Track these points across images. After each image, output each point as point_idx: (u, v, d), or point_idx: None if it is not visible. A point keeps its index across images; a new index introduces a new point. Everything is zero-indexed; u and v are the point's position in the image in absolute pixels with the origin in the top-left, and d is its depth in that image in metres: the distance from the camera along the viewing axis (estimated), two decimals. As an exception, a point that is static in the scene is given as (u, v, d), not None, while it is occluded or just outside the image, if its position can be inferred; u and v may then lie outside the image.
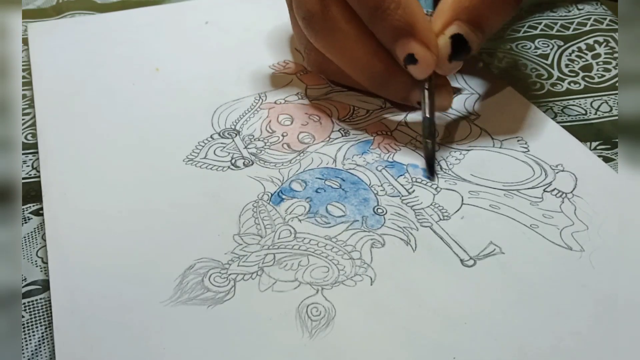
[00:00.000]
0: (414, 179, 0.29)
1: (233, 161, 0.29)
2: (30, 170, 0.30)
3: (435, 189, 0.28)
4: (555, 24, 0.41)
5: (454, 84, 0.35)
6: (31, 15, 0.42)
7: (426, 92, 0.30)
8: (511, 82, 0.35)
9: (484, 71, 0.36)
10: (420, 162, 0.30)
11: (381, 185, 0.28)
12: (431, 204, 0.27)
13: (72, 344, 0.21)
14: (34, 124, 0.32)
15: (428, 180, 0.28)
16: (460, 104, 0.33)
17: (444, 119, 0.32)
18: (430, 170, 0.29)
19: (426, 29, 0.28)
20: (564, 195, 0.28)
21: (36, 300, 0.24)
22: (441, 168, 0.29)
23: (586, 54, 0.39)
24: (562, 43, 0.40)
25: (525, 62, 0.38)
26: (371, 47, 0.30)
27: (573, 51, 0.39)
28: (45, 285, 0.24)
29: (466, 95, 0.34)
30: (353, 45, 0.30)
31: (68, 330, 0.22)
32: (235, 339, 0.22)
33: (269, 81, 0.35)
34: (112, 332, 0.22)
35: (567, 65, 0.38)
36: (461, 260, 0.25)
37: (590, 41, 0.40)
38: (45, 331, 0.23)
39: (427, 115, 0.29)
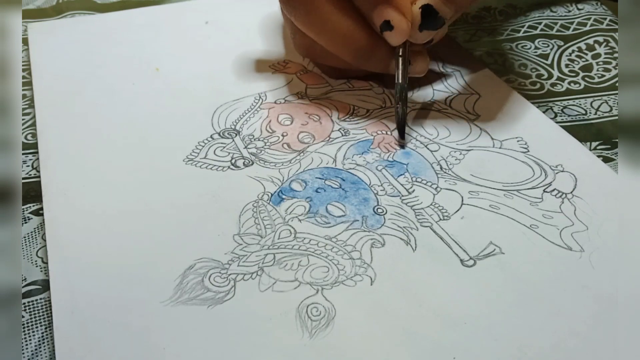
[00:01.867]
0: (413, 179, 0.29)
1: (233, 161, 0.29)
2: (30, 170, 0.30)
3: (435, 189, 0.28)
4: (555, 24, 0.41)
5: (454, 83, 0.35)
6: (31, 15, 0.42)
7: (399, 59, 0.31)
8: (511, 82, 0.35)
9: (484, 72, 0.36)
10: (420, 161, 0.30)
11: (381, 185, 0.28)
12: (431, 204, 0.27)
13: (72, 344, 0.21)
14: (34, 124, 0.32)
15: (428, 180, 0.29)
16: (460, 104, 0.33)
17: (444, 118, 0.32)
18: (401, 133, 0.31)
19: None
20: (564, 195, 0.28)
21: (36, 300, 0.24)
22: (441, 168, 0.29)
23: (586, 54, 0.39)
24: (562, 43, 0.40)
25: (525, 62, 0.38)
26: (352, 20, 0.30)
27: (573, 51, 0.39)
28: (45, 285, 0.24)
29: (466, 95, 0.34)
30: (334, 20, 0.30)
31: (68, 330, 0.22)
32: (235, 339, 0.22)
33: (269, 81, 0.35)
34: (112, 332, 0.22)
35: (567, 65, 0.38)
36: (461, 260, 0.25)
37: (590, 41, 0.40)
38: (45, 331, 0.23)
39: (400, 81, 0.30)
